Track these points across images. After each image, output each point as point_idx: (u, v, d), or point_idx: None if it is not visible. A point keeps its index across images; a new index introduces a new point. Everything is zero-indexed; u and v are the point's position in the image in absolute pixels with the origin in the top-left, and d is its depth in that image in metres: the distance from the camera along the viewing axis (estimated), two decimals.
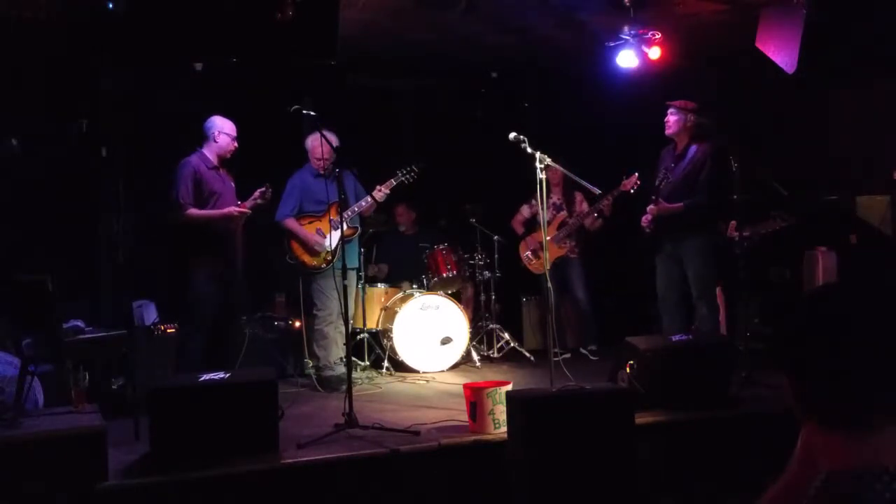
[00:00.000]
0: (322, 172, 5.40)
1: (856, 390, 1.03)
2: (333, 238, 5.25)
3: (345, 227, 5.38)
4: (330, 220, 5.18)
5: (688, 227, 5.21)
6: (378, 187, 5.44)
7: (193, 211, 4.87)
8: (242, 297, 5.28)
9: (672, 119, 5.31)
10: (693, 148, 5.28)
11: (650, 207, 5.32)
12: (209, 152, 5.01)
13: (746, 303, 5.13)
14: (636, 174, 5.54)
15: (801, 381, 1.09)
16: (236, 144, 5.05)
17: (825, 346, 1.06)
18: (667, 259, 5.36)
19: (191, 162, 4.92)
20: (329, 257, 5.34)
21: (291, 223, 5.44)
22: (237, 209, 4.96)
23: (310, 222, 5.45)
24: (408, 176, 5.52)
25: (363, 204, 5.41)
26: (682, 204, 5.22)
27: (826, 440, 1.06)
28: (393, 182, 5.49)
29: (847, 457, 1.02)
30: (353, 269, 5.60)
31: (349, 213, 5.37)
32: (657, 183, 5.33)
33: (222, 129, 5.00)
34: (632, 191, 5.53)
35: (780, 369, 1.14)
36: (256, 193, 5.02)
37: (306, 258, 5.43)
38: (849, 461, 1.02)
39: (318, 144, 5.24)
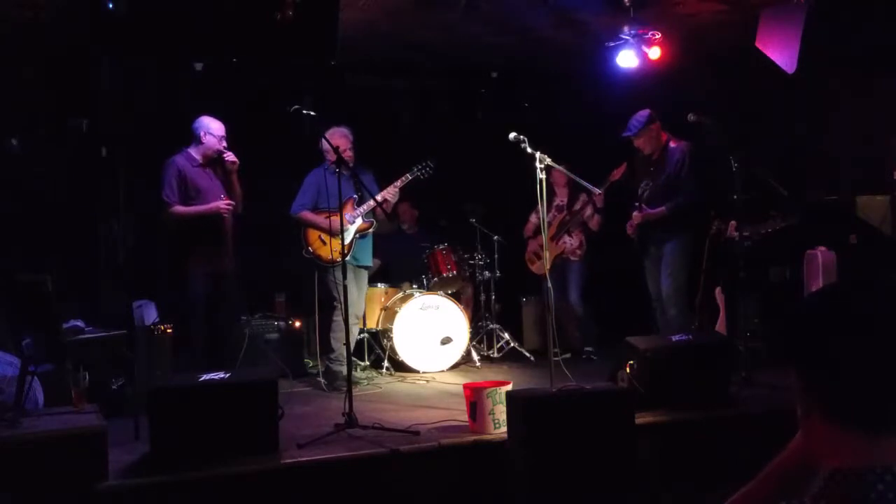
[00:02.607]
0: (338, 169, 5.40)
1: (880, 390, 1.02)
2: (349, 233, 5.26)
3: (360, 221, 5.40)
4: (346, 216, 5.21)
5: (670, 228, 5.26)
6: (395, 182, 5.45)
7: (178, 208, 4.87)
8: (236, 295, 5.27)
9: (639, 143, 5.35)
10: (671, 148, 5.31)
11: (635, 214, 5.38)
12: (195, 152, 5.00)
13: (746, 303, 5.14)
14: (625, 163, 5.56)
15: (818, 377, 1.07)
16: (224, 144, 5.03)
17: (853, 342, 1.04)
18: (652, 262, 5.43)
19: (175, 161, 4.93)
20: (345, 251, 5.33)
21: (307, 214, 5.44)
22: (224, 203, 4.96)
23: (326, 217, 5.41)
24: (423, 171, 5.52)
25: (378, 199, 5.40)
26: (664, 208, 5.25)
27: (834, 438, 1.05)
28: (408, 177, 5.49)
29: (854, 456, 1.02)
30: (366, 267, 5.61)
31: (364, 207, 5.39)
32: (640, 192, 5.37)
33: (209, 130, 4.99)
34: (621, 179, 5.54)
35: (787, 360, 1.12)
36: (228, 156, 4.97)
37: (323, 252, 5.40)
38: (855, 461, 1.01)
39: (337, 144, 5.22)
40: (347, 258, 5.23)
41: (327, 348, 5.50)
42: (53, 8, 4.81)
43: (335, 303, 5.42)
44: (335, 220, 5.20)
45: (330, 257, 5.37)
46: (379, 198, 5.35)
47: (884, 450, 1.00)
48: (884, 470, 0.99)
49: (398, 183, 5.45)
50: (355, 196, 5.46)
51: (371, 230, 5.55)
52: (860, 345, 1.03)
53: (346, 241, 5.29)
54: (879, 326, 1.03)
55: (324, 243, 5.42)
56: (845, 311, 1.07)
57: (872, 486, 0.98)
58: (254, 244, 5.61)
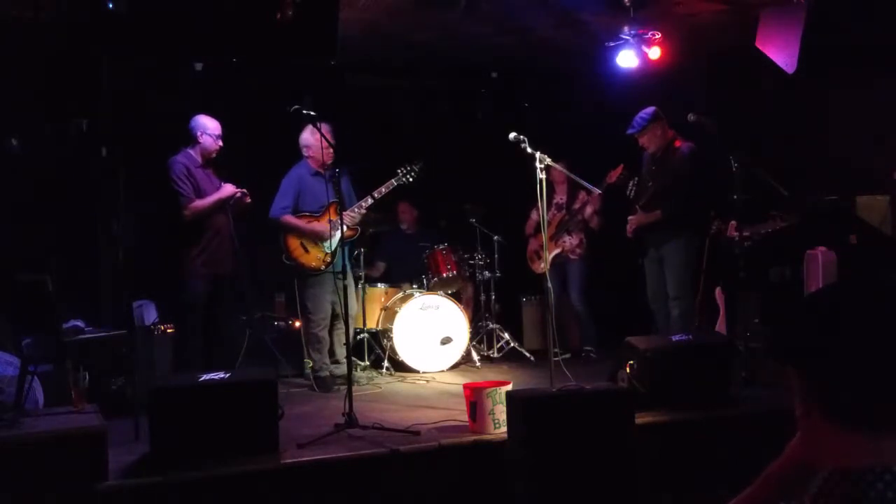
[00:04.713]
0: (320, 171, 5.38)
1: (879, 390, 1.02)
2: (333, 240, 5.22)
3: (345, 228, 5.39)
4: (329, 221, 5.17)
5: (669, 229, 5.26)
6: (379, 188, 5.44)
7: (197, 203, 4.88)
8: (240, 296, 5.26)
9: (643, 140, 5.34)
10: (676, 147, 5.30)
11: (630, 218, 5.37)
12: (195, 152, 5.00)
13: (746, 303, 5.13)
14: (622, 165, 5.55)
15: (818, 376, 1.07)
16: (220, 144, 5.02)
17: (852, 342, 1.04)
18: (651, 262, 5.43)
19: (179, 160, 4.93)
20: (328, 259, 5.29)
21: (290, 218, 5.32)
22: (232, 186, 4.95)
23: (307, 222, 5.36)
24: (408, 176, 5.50)
25: (363, 204, 5.39)
26: (658, 212, 5.26)
27: (833, 438, 1.05)
28: (393, 182, 5.47)
29: (853, 456, 1.02)
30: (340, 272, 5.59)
31: (352, 214, 5.33)
32: (628, 192, 5.38)
33: (205, 129, 4.98)
34: (617, 181, 5.53)
35: (788, 360, 1.12)
36: (240, 192, 5.02)
37: (304, 259, 5.32)
38: (854, 460, 1.01)
39: (317, 141, 5.22)
40: (333, 262, 5.21)
41: (310, 360, 5.48)
42: (53, 8, 4.81)
43: (308, 314, 5.38)
44: (318, 225, 5.21)
45: (312, 265, 5.31)
46: (364, 205, 5.35)
47: (883, 450, 1.00)
48: (883, 469, 0.99)
49: (382, 189, 5.42)
50: (336, 200, 5.42)
51: (356, 236, 5.52)
52: (860, 345, 1.03)
53: (331, 250, 5.26)
54: (879, 326, 1.03)
55: (306, 251, 5.33)
56: (845, 312, 1.07)
57: (872, 485, 0.98)
58: (253, 244, 5.60)
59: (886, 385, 1.01)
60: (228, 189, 4.97)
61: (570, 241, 6.21)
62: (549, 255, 6.02)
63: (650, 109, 5.29)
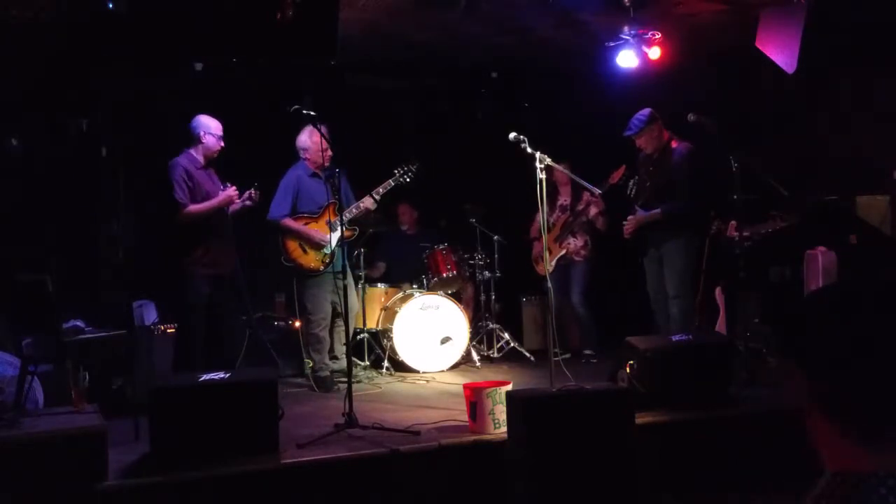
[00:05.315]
0: (317, 172, 5.38)
1: (880, 393, 1.01)
2: (332, 240, 5.22)
3: (343, 228, 5.39)
4: (328, 222, 5.16)
5: (669, 229, 5.26)
6: (377, 189, 5.43)
7: (192, 207, 4.85)
8: (239, 296, 5.25)
9: (640, 142, 5.34)
10: (673, 148, 5.30)
11: (629, 217, 5.38)
12: (196, 153, 4.96)
13: (746, 303, 5.13)
14: (624, 166, 5.55)
15: (818, 378, 1.06)
16: (223, 143, 5.00)
17: (853, 343, 1.03)
18: (651, 261, 5.44)
19: (180, 162, 4.88)
20: (327, 260, 5.29)
21: (289, 222, 5.32)
22: (231, 190, 4.92)
23: (305, 223, 5.35)
24: (405, 176, 5.50)
25: (360, 205, 5.39)
26: (658, 211, 5.26)
27: (835, 440, 1.04)
28: (391, 183, 5.47)
29: (855, 459, 1.01)
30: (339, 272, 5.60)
31: (347, 213, 5.31)
32: (629, 192, 5.38)
33: (208, 129, 4.95)
34: (619, 182, 5.54)
35: (789, 360, 1.11)
36: (245, 195, 5.00)
37: (303, 260, 5.32)
38: (856, 464, 1.01)
39: (316, 142, 5.22)
40: (333, 263, 5.21)
41: (309, 360, 5.48)
42: (53, 8, 4.81)
43: (308, 315, 5.38)
44: (316, 232, 5.20)
45: (311, 266, 5.31)
46: (362, 205, 5.34)
47: (886, 454, 1.00)
48: (886, 474, 0.98)
49: (380, 189, 5.42)
50: (334, 200, 5.41)
51: (354, 237, 5.51)
52: (860, 346, 1.02)
53: (330, 250, 5.26)
54: (879, 328, 1.03)
55: (304, 252, 5.33)
56: (846, 312, 1.06)
57: (874, 489, 0.98)
58: (253, 244, 5.60)
59: (887, 388, 1.01)
60: (225, 197, 4.92)
61: (574, 242, 6.19)
62: (554, 258, 6.04)
63: (646, 111, 5.29)
